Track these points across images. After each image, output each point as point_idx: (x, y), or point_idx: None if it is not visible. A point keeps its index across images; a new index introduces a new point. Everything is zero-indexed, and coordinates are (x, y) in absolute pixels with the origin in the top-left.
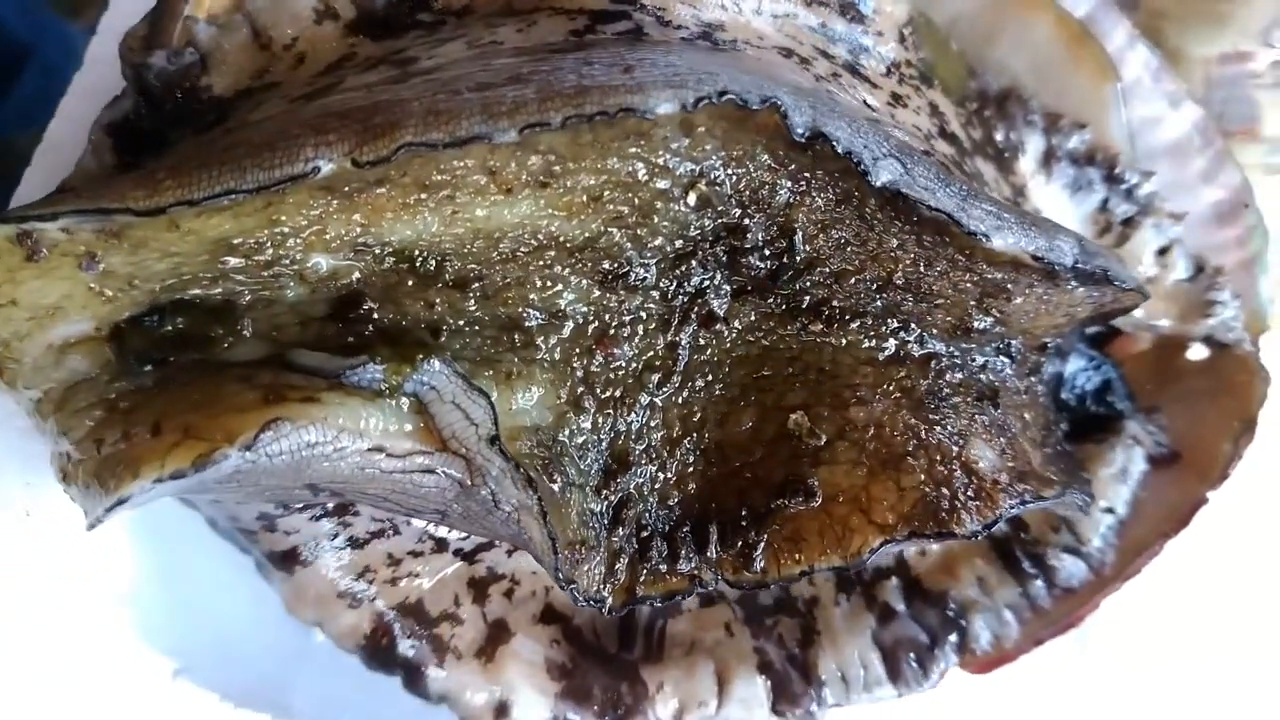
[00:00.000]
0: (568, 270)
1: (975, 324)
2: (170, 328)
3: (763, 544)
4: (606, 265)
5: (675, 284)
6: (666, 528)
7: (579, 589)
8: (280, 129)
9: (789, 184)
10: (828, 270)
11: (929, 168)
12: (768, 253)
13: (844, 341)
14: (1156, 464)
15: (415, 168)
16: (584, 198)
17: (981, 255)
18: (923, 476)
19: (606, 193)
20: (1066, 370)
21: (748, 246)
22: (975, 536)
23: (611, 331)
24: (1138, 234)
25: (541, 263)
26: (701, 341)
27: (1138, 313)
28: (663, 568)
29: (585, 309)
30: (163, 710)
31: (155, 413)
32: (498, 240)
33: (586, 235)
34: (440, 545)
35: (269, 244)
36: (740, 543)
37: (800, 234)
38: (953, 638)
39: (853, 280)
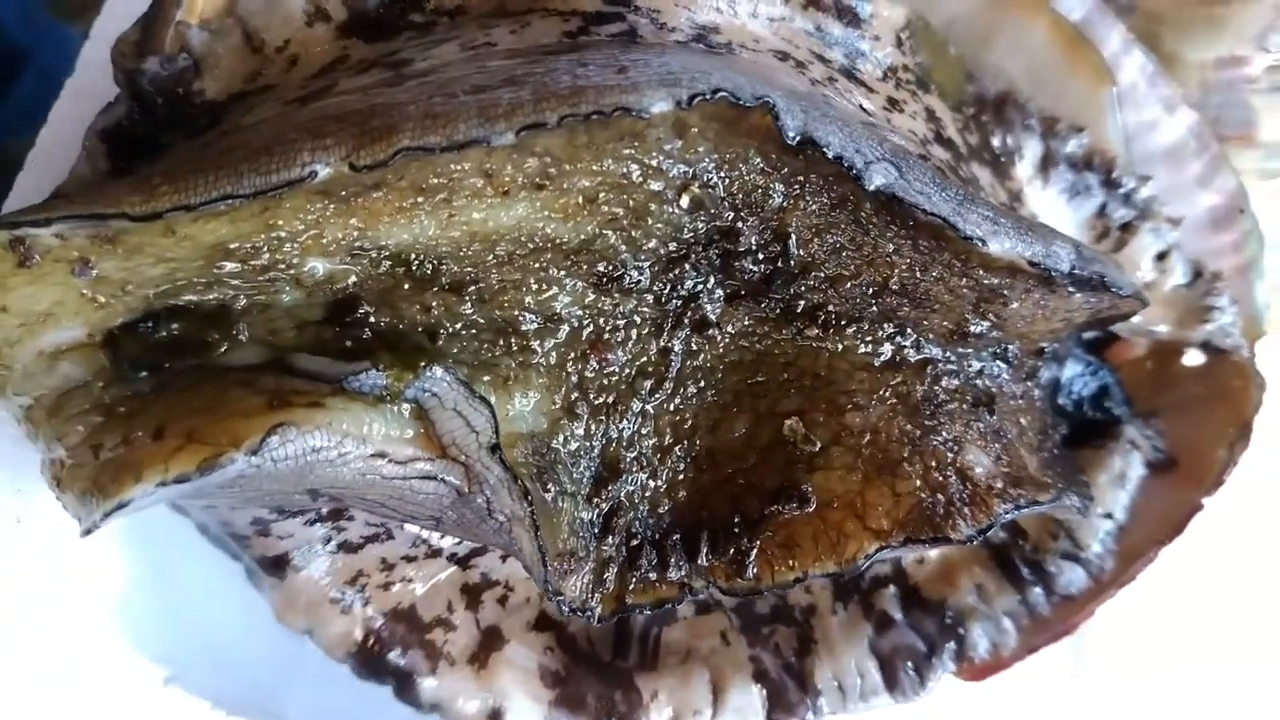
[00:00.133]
0: (563, 273)
1: (972, 328)
2: (165, 333)
3: (755, 550)
4: (601, 268)
5: (669, 287)
6: (656, 536)
7: (565, 600)
8: (276, 133)
9: (782, 188)
10: (823, 275)
11: (925, 172)
12: (761, 256)
13: (840, 346)
14: (1154, 469)
15: (412, 171)
16: (579, 199)
17: (978, 260)
18: (918, 482)
19: (602, 194)
20: (1063, 376)
21: (741, 250)
22: (970, 541)
23: (606, 336)
24: (1136, 239)
25: (537, 265)
26: (694, 347)
27: (1135, 318)
28: (652, 576)
29: (580, 312)
30: (154, 718)
31: (156, 417)
32: (494, 243)
33: (582, 237)
34: (434, 550)
35: (265, 249)
36: (733, 549)
37: (794, 238)
38: (950, 646)
39: (848, 285)
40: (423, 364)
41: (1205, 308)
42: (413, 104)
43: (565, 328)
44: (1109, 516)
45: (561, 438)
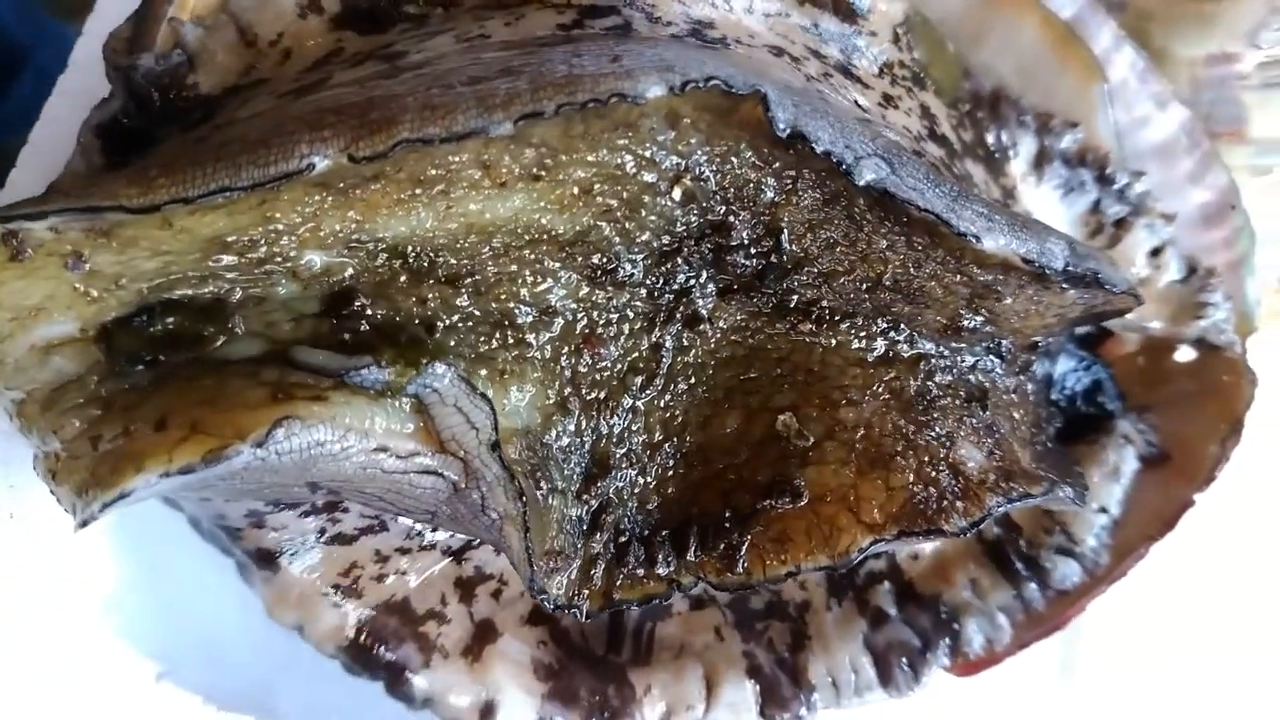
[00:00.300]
0: (558, 265)
1: (965, 324)
2: (160, 327)
3: (746, 545)
4: (596, 260)
5: (661, 281)
6: (645, 532)
7: (550, 599)
8: (274, 124)
9: (774, 182)
10: (816, 270)
11: (919, 168)
12: (753, 251)
13: (833, 342)
14: (1147, 464)
15: (411, 163)
16: (575, 190)
17: (971, 257)
18: (911, 476)
19: (596, 185)
20: (1056, 371)
21: (733, 244)
22: (963, 534)
23: (599, 330)
24: (1130, 235)
25: (533, 257)
26: (685, 342)
27: (1130, 314)
28: (640, 572)
29: (574, 305)
30: (146, 714)
31: (157, 409)
32: (490, 235)
33: (577, 229)
34: (428, 544)
35: (263, 241)
36: (723, 544)
37: (786, 233)
38: (945, 641)
39: (842, 280)
40: (425, 360)
41: (1199, 304)
42: (410, 96)
43: (559, 321)
44: (1103, 511)
45: (554, 433)
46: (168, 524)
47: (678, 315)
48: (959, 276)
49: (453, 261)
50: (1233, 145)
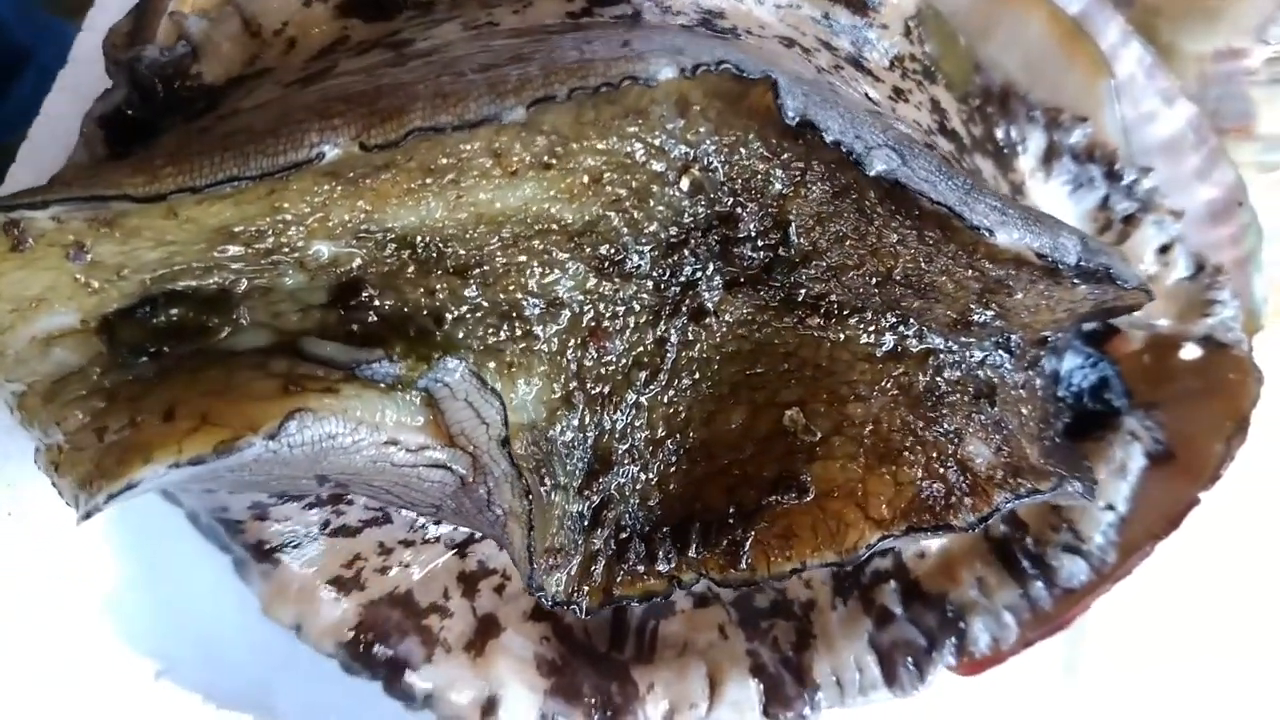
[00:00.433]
0: (566, 256)
1: (975, 318)
2: (163, 318)
3: (751, 541)
4: (604, 250)
5: (668, 273)
6: (646, 529)
7: (548, 596)
8: (281, 114)
9: (782, 174)
10: (825, 264)
11: (930, 160)
12: (761, 244)
13: (842, 336)
14: (1154, 461)
15: (422, 152)
16: (585, 179)
17: (984, 251)
18: (920, 472)
19: (606, 174)
20: (1063, 368)
21: (740, 236)
22: (972, 529)
23: (605, 324)
24: (1138, 231)
25: (541, 248)
26: (690, 337)
27: (1137, 311)
28: (640, 569)
29: (581, 297)
30: (144, 712)
31: (166, 400)
32: (500, 225)
33: (586, 219)
34: (431, 537)
35: (270, 231)
36: (727, 540)
37: (795, 225)
38: (951, 640)
39: (851, 274)
40: (436, 355)
41: (1207, 301)
42: (421, 83)
43: (566, 313)
44: (1110, 508)
45: (559, 428)
46: (167, 522)
47: (683, 309)
48: (971, 271)
49: (461, 252)
50: (1240, 141)
